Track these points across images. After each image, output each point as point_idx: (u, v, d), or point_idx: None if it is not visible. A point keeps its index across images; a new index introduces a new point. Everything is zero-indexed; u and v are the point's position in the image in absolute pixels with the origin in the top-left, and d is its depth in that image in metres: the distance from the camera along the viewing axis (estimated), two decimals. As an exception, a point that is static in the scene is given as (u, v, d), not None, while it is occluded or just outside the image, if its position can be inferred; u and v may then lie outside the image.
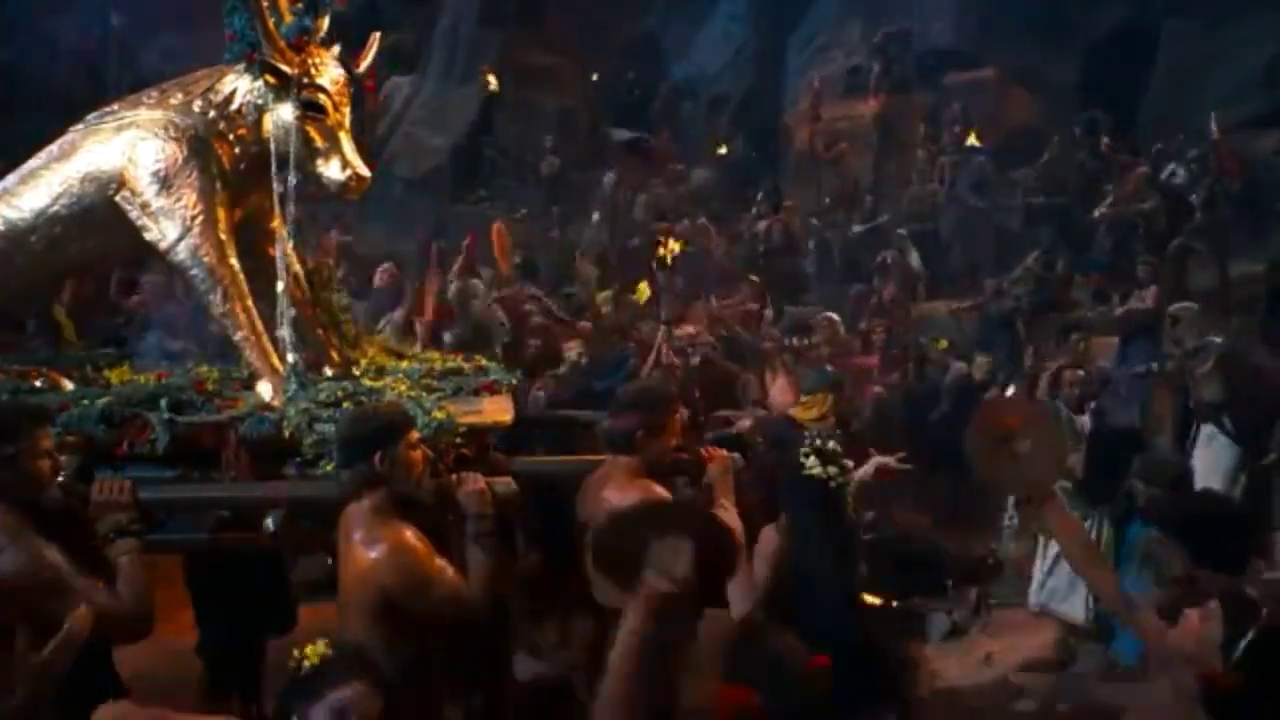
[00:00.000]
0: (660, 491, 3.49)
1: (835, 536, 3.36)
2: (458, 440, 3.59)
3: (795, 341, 8.16)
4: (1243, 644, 2.86)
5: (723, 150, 16.22)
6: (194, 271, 3.74)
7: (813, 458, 3.31)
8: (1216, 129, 11.45)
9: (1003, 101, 15.14)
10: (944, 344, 9.24)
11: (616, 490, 3.48)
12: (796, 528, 3.38)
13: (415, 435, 3.27)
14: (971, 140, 13.93)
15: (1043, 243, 11.89)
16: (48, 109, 9.62)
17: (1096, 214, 12.12)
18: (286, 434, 3.52)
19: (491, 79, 15.52)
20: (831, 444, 3.41)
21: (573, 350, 7.65)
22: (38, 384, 3.78)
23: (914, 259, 12.36)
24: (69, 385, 3.85)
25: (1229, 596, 2.98)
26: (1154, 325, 9.38)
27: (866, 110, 15.64)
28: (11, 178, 3.91)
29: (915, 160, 14.44)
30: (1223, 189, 11.39)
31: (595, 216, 14.19)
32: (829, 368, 7.47)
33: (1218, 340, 7.16)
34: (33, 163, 3.90)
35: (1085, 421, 6.49)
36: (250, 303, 3.77)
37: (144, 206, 3.74)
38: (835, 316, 9.03)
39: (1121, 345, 9.72)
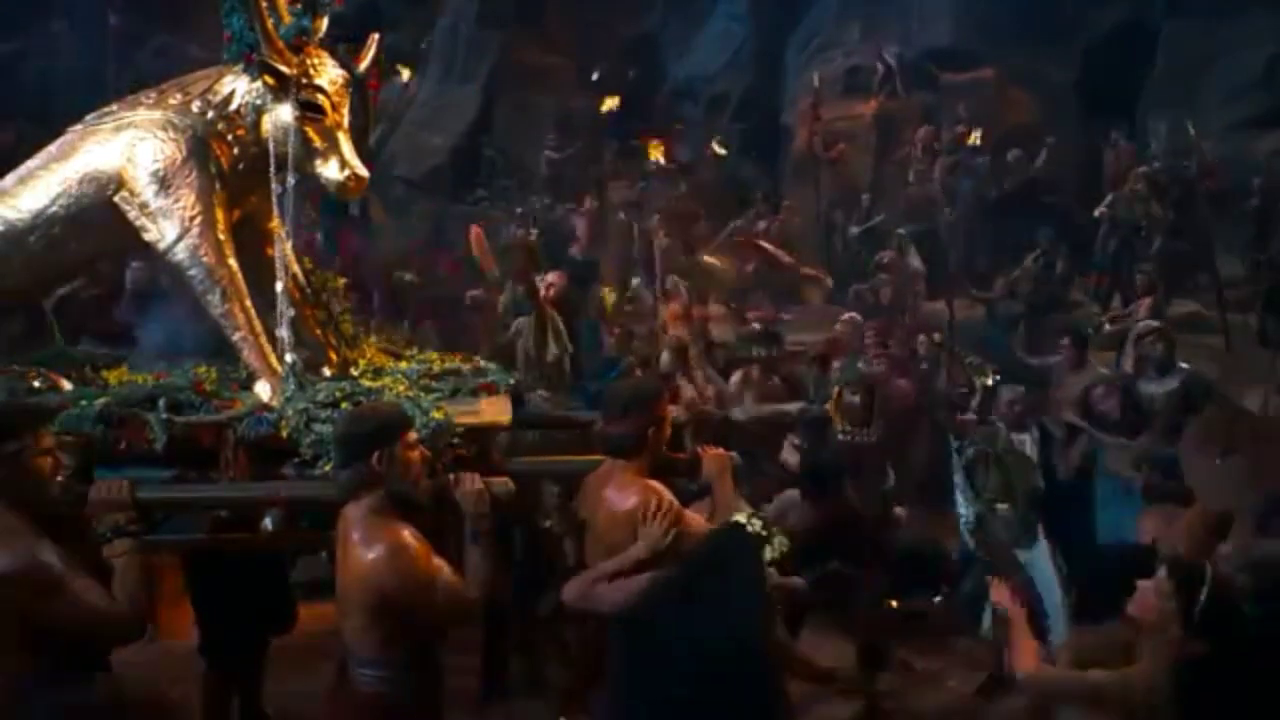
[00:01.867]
0: (664, 491, 3.49)
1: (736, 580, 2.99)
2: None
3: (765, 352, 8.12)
4: (1197, 610, 3.10)
5: (721, 150, 16.22)
6: (193, 271, 3.73)
7: (743, 515, 3.20)
8: (1194, 132, 11.46)
9: (1002, 101, 15.14)
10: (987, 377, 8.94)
11: (617, 491, 3.47)
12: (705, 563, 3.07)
13: (413, 435, 3.27)
14: (973, 140, 13.94)
15: (1042, 243, 11.91)
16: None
17: (1097, 214, 12.13)
18: (284, 434, 3.51)
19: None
20: (759, 522, 3.30)
21: None
22: (36, 384, 3.78)
23: (913, 258, 12.38)
24: (67, 385, 3.85)
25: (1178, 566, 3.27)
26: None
27: (866, 110, 15.64)
28: (10, 178, 3.90)
29: (914, 161, 14.45)
30: (1205, 191, 11.40)
31: (621, 216, 14.16)
32: (861, 364, 7.51)
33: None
34: (31, 163, 3.89)
35: (1025, 440, 6.32)
36: (249, 303, 3.76)
37: (143, 207, 3.74)
38: (858, 317, 9.08)
39: (1119, 355, 9.75)
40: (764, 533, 3.06)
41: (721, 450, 3.81)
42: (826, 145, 14.78)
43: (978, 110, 14.56)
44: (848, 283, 12.40)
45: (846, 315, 9.22)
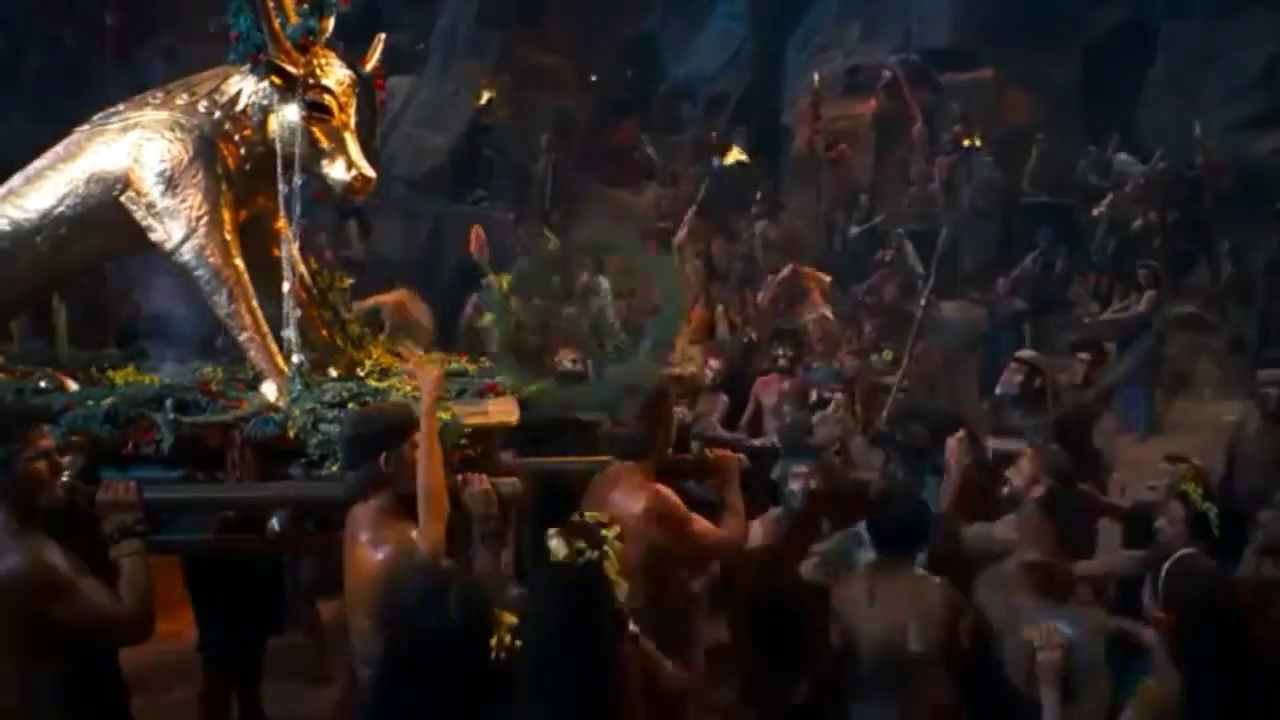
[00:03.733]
0: (671, 494, 3.48)
1: (586, 625, 2.73)
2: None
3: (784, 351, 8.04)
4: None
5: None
6: (199, 272, 3.73)
7: (556, 540, 2.78)
8: (1200, 130, 11.47)
9: (1001, 101, 15.14)
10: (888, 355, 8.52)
11: (625, 494, 3.46)
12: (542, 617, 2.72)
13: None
14: (974, 141, 13.95)
15: (1042, 243, 11.91)
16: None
17: (1096, 213, 12.15)
18: (291, 435, 3.51)
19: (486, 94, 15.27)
20: (592, 517, 2.95)
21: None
22: (42, 385, 3.77)
23: (912, 258, 12.38)
24: (73, 385, 3.84)
25: None
26: (1146, 331, 9.51)
27: (866, 110, 15.64)
28: (17, 178, 3.90)
29: (914, 161, 14.45)
30: (1211, 189, 11.42)
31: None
32: (836, 364, 7.49)
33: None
34: (38, 163, 3.88)
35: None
36: (255, 303, 3.76)
37: (149, 207, 3.73)
38: (828, 314, 9.11)
39: (1119, 350, 9.78)
40: (596, 549, 2.67)
41: (728, 453, 3.81)
42: (827, 145, 14.77)
43: (978, 110, 14.55)
44: (848, 283, 12.39)
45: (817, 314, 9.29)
